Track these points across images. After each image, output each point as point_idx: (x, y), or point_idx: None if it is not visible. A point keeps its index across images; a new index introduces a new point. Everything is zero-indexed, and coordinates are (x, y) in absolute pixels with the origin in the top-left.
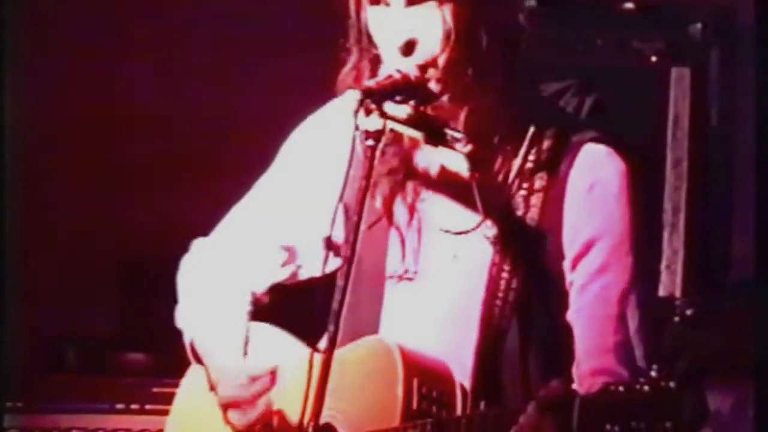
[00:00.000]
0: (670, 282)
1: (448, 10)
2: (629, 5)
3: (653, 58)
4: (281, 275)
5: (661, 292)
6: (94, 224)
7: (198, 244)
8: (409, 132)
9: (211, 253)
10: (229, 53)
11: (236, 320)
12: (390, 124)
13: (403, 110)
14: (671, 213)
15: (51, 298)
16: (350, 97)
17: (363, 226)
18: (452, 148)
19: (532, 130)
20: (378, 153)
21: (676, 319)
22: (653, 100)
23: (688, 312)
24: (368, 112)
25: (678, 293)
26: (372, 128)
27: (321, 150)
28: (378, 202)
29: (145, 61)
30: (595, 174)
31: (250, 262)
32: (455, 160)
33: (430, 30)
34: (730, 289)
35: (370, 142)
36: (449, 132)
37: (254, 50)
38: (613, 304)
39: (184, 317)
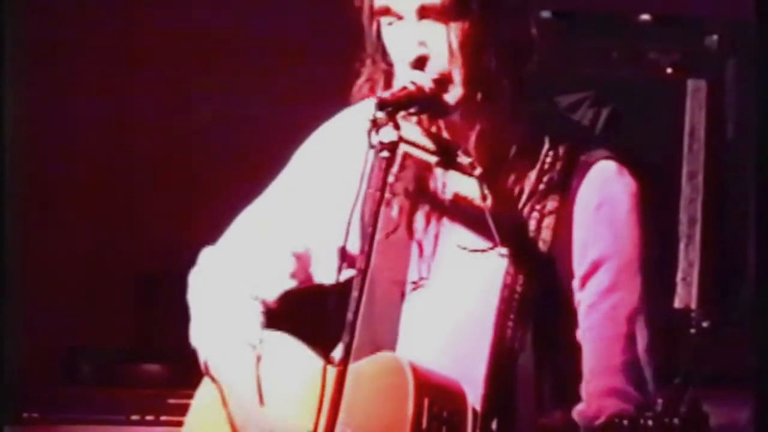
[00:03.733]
0: (686, 294)
1: (456, 27)
2: (645, 17)
3: (669, 70)
4: (292, 283)
5: (677, 304)
6: (109, 236)
7: (205, 255)
8: (420, 153)
9: (219, 263)
10: (241, 62)
11: (247, 334)
12: (403, 146)
13: (416, 129)
14: (687, 225)
15: (67, 310)
16: (366, 106)
17: (378, 238)
18: (463, 171)
19: (544, 150)
20: (394, 166)
21: (693, 330)
22: (669, 112)
23: (705, 324)
24: (383, 124)
25: (694, 305)
26: (386, 140)
27: (336, 158)
28: (395, 211)
29: (156, 72)
30: (605, 192)
31: (260, 270)
32: (467, 183)
33: (441, 46)
34: (747, 301)
35: (385, 154)
36: (460, 155)
37: (267, 60)
38: (621, 323)
39: (197, 336)
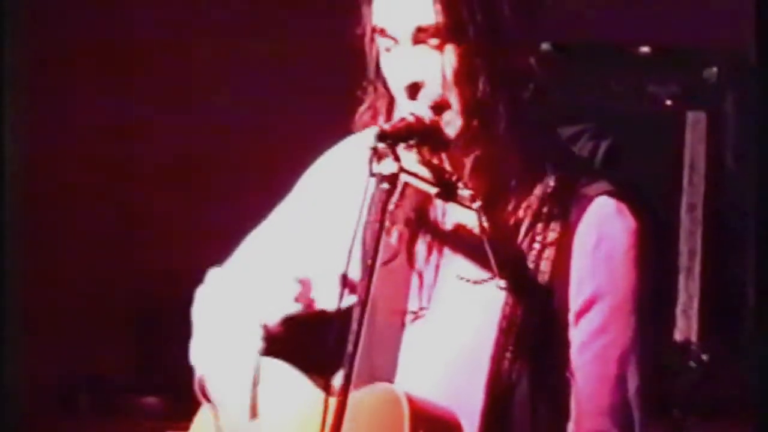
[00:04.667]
0: (685, 326)
1: (450, 52)
2: (645, 49)
3: (668, 102)
4: (295, 307)
5: (677, 336)
6: (109, 266)
7: (212, 275)
8: (420, 184)
9: (224, 283)
10: (242, 93)
11: (247, 357)
12: (404, 177)
13: (417, 159)
14: (687, 257)
15: (65, 342)
16: (368, 134)
17: (377, 268)
18: (462, 204)
19: (544, 180)
20: (394, 197)
21: (692, 363)
22: (669, 144)
23: (704, 357)
24: (383, 156)
25: (694, 338)
26: (387, 171)
27: (337, 186)
28: (394, 238)
29: (156, 107)
30: (603, 230)
31: (263, 294)
32: (467, 213)
33: (435, 71)
34: (747, 333)
35: (385, 186)
36: (460, 188)
37: (269, 91)
38: (612, 364)
39: (196, 352)
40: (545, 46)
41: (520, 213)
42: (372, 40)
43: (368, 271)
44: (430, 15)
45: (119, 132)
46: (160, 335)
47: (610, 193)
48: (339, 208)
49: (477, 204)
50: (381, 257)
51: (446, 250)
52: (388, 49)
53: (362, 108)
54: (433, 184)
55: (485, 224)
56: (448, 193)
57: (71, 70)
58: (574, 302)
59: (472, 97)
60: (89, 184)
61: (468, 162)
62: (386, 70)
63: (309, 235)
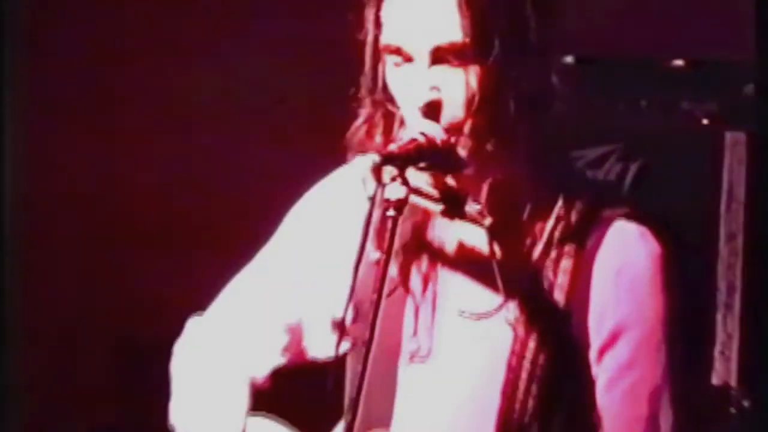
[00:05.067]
0: (724, 370)
1: (473, 72)
2: (678, 62)
3: (705, 121)
4: (284, 359)
5: (715, 380)
6: (90, 302)
7: (192, 325)
8: (423, 203)
9: (205, 335)
10: (228, 126)
11: (232, 417)
12: (412, 198)
13: (423, 179)
14: (725, 293)
15: (45, 382)
16: (362, 163)
17: (383, 304)
18: (471, 221)
19: (560, 203)
20: (400, 224)
21: (732, 410)
22: (705, 167)
23: (745, 402)
24: (390, 180)
25: (733, 382)
26: (394, 197)
27: (330, 220)
28: (393, 270)
29: (144, 146)
30: (625, 255)
31: (249, 345)
32: (474, 234)
33: (454, 92)
34: None
35: (392, 212)
36: (468, 203)
37: (256, 125)
38: (642, 403)
39: (176, 413)
40: (567, 59)
41: (533, 238)
42: (377, 50)
43: (374, 307)
44: (454, 33)
45: (104, 168)
46: (143, 376)
47: (630, 216)
48: (332, 245)
49: (488, 221)
50: (369, 289)
51: (447, 280)
52: (397, 65)
53: (357, 122)
54: (438, 200)
55: (495, 246)
56: (455, 209)
57: (66, 100)
58: (596, 336)
59: (496, 118)
60: (73, 219)
61: (485, 186)
62: (396, 86)
63: (299, 277)
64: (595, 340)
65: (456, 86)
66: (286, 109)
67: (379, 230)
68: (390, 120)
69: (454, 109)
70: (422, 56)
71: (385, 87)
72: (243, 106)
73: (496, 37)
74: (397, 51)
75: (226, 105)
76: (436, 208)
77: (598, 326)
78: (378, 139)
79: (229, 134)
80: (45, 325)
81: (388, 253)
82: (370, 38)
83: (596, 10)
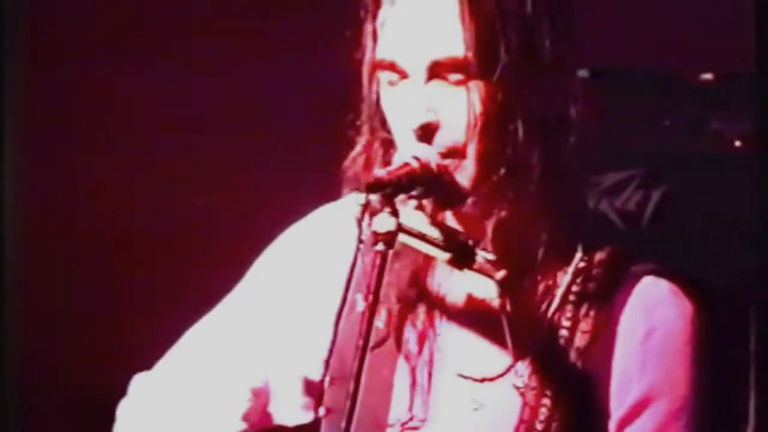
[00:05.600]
0: None
1: (475, 91)
2: (707, 76)
3: (737, 143)
4: (245, 425)
5: None
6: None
7: (137, 384)
8: (425, 248)
9: (153, 397)
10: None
11: None
12: (404, 238)
13: (418, 216)
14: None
15: None
16: (347, 202)
17: (368, 361)
18: (482, 273)
19: (579, 253)
20: (389, 261)
21: None
22: (737, 195)
23: None
24: (377, 210)
25: None
26: (382, 229)
27: (308, 265)
28: (381, 320)
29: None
30: (654, 317)
31: (204, 410)
32: (481, 285)
33: (454, 114)
34: None
35: (380, 247)
36: (479, 252)
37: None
38: None
39: None
40: (582, 73)
41: (547, 290)
42: (372, 72)
43: (358, 361)
44: (454, 47)
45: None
46: None
47: (660, 273)
48: (309, 293)
49: (501, 274)
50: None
51: (447, 337)
52: (392, 83)
53: (354, 152)
54: (443, 247)
55: (506, 301)
56: (465, 258)
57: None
58: (618, 405)
59: (502, 145)
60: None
61: (489, 224)
62: (389, 108)
63: (267, 330)
64: (617, 410)
65: (456, 107)
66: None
67: (367, 275)
68: (391, 149)
69: (453, 133)
70: (418, 72)
71: (381, 110)
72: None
73: (502, 50)
74: (391, 66)
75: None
76: (442, 256)
77: (620, 395)
78: (376, 169)
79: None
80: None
81: (375, 294)
82: (367, 56)
83: (612, 16)
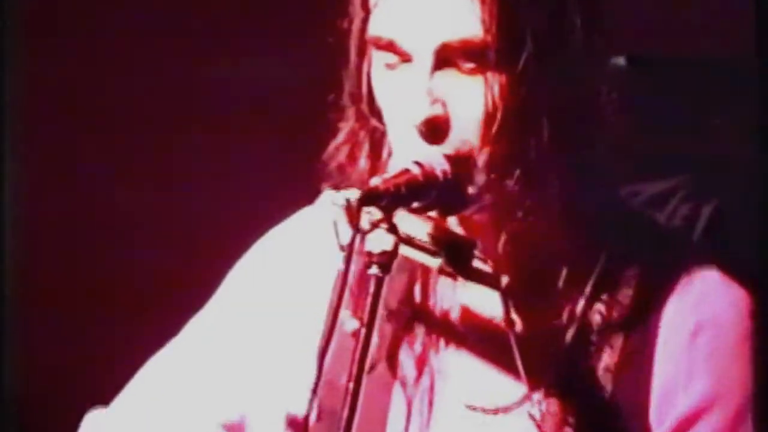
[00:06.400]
0: None
1: (493, 82)
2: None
3: None
4: None
5: None
6: None
7: (90, 422)
8: (416, 255)
9: None
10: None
11: None
12: (403, 249)
13: (410, 218)
14: None
15: None
16: (335, 201)
17: (361, 396)
18: (481, 281)
19: (604, 261)
20: (385, 286)
21: None
22: None
23: None
24: (372, 226)
25: None
26: (378, 249)
27: (287, 281)
28: (373, 341)
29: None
30: (703, 312)
31: None
32: (489, 301)
33: (466, 109)
34: None
35: (375, 270)
36: (477, 256)
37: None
38: None
39: None
40: (619, 60)
41: (569, 307)
42: (362, 48)
43: (351, 397)
44: (469, 28)
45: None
46: None
47: (706, 260)
48: (289, 314)
49: (504, 280)
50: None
51: (449, 362)
52: (390, 66)
53: (337, 140)
54: (435, 253)
55: (512, 314)
56: (458, 264)
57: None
58: (662, 421)
59: (523, 147)
60: None
61: (502, 238)
62: (384, 96)
63: (242, 357)
64: (661, 427)
65: (468, 100)
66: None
67: (357, 293)
68: (379, 138)
69: (464, 132)
70: (423, 56)
71: (371, 95)
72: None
73: (528, 34)
74: (390, 46)
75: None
76: (432, 262)
77: (662, 409)
78: (363, 163)
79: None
80: None
81: (369, 326)
82: (356, 25)
83: None
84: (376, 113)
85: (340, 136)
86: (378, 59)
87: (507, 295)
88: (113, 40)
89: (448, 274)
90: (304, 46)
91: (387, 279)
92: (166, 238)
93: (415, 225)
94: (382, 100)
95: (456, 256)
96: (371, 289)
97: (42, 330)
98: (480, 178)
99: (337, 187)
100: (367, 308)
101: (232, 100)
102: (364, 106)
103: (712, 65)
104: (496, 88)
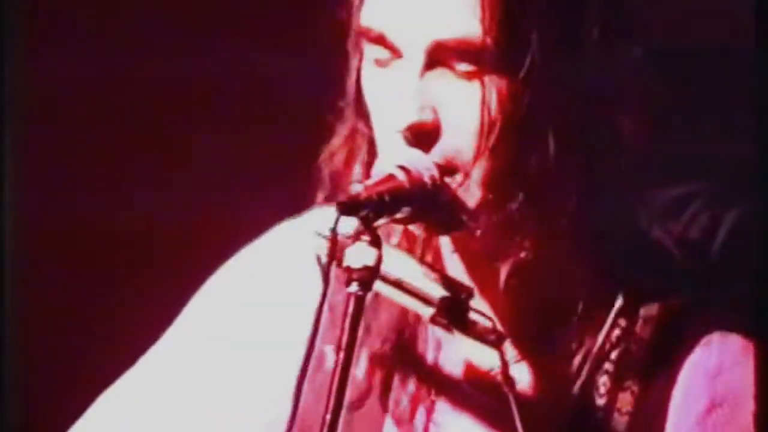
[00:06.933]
0: None
1: (493, 86)
2: None
3: None
4: None
5: None
6: None
7: None
8: (403, 298)
9: None
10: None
11: None
12: (380, 287)
13: (398, 253)
14: None
15: None
16: (313, 219)
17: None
18: (476, 337)
19: (619, 304)
20: (366, 305)
21: None
22: None
23: None
24: (353, 238)
25: None
26: (359, 264)
27: (259, 307)
28: (361, 370)
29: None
30: (719, 387)
31: None
32: (482, 353)
33: (459, 115)
34: None
35: (355, 288)
36: (473, 309)
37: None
38: None
39: None
40: (636, 51)
41: (575, 359)
42: (357, 42)
43: (329, 420)
44: (466, 25)
45: None
46: None
47: (726, 325)
48: (262, 344)
49: (503, 341)
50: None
51: (442, 404)
52: (380, 63)
53: (334, 143)
54: (427, 300)
55: (511, 373)
56: (452, 316)
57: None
58: None
59: (524, 163)
60: None
61: (503, 268)
62: (371, 95)
63: (208, 392)
64: None
65: (462, 107)
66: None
67: (337, 321)
68: (373, 147)
69: (455, 141)
70: (414, 54)
71: (360, 94)
72: None
73: (534, 36)
74: (380, 40)
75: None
76: (424, 311)
77: None
78: (359, 170)
79: None
80: None
81: (347, 350)
82: (351, 14)
83: None
84: (364, 115)
85: (337, 139)
86: (369, 54)
87: (506, 355)
88: (113, 41)
89: (442, 326)
90: (304, 39)
91: (368, 300)
92: (165, 238)
93: (406, 265)
94: (369, 100)
95: (451, 307)
96: (350, 309)
97: (41, 329)
98: (474, 193)
99: (330, 199)
100: (346, 330)
101: (236, 98)
102: (363, 107)
103: (744, 55)
104: (494, 95)
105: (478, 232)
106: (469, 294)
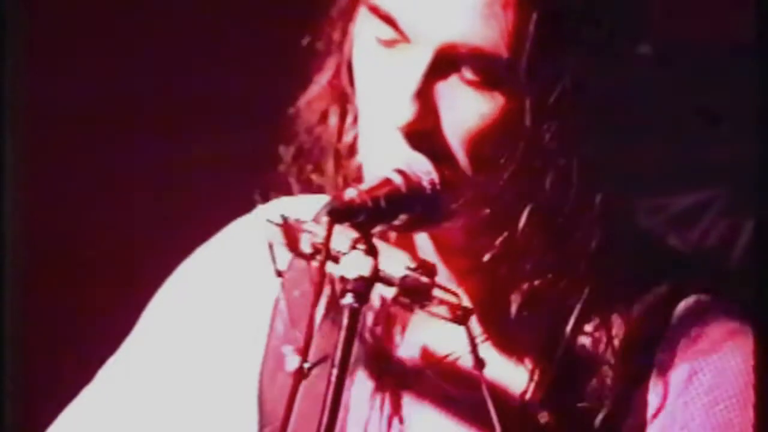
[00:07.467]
0: None
1: (496, 101)
2: None
3: None
4: None
5: None
6: None
7: None
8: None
9: None
10: None
11: None
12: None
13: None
14: None
15: None
16: (269, 219)
17: None
18: (442, 315)
19: (617, 308)
20: (360, 320)
21: None
22: None
23: None
24: (347, 248)
25: None
26: (353, 274)
27: (215, 312)
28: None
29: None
30: (698, 353)
31: None
32: (450, 335)
33: (457, 124)
34: None
35: (350, 300)
36: (438, 284)
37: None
38: None
39: None
40: (645, 49)
41: (545, 339)
42: (352, 9)
43: None
44: (480, 32)
45: None
46: None
47: (703, 290)
48: (218, 347)
49: (470, 316)
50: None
51: (410, 403)
52: (385, 42)
53: (309, 94)
54: (388, 280)
55: (481, 354)
56: (416, 292)
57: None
58: None
59: (537, 188)
60: None
61: (515, 300)
62: (367, 74)
63: (169, 405)
64: None
65: (463, 116)
66: None
67: (295, 320)
68: (347, 114)
69: (453, 152)
70: (424, 48)
71: (350, 70)
72: None
73: (556, 59)
74: (388, 20)
75: None
76: (386, 291)
77: None
78: (333, 123)
79: None
80: None
81: (342, 366)
82: None
83: None
84: (351, 82)
85: (313, 89)
86: (370, 28)
87: (472, 330)
88: (113, 43)
89: (405, 307)
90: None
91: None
92: (166, 239)
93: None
94: (362, 76)
95: (413, 285)
96: (345, 323)
97: (41, 329)
98: (471, 211)
99: (288, 192)
100: (341, 344)
101: (232, 105)
102: (343, 78)
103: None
104: (496, 109)
105: (486, 257)
106: (432, 270)
